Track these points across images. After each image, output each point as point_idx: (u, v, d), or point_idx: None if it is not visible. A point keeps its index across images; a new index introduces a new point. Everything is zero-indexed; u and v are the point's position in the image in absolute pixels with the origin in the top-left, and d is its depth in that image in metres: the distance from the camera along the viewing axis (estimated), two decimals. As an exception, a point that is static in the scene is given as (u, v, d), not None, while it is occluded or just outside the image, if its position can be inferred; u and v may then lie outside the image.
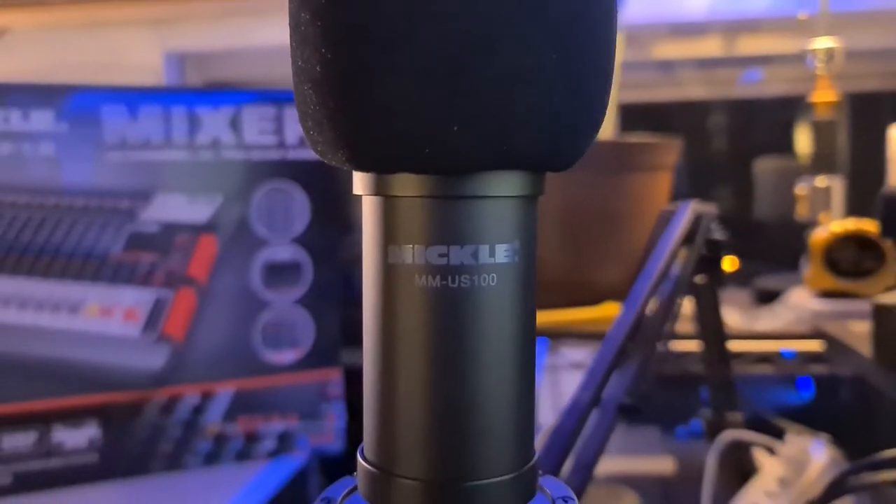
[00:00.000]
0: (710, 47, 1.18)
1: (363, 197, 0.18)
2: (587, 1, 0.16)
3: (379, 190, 0.17)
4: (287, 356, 0.67)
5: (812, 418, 0.66)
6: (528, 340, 0.18)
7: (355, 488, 0.19)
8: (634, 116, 1.25)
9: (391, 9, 0.15)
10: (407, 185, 0.17)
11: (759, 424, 0.59)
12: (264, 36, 0.94)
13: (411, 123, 0.16)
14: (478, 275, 0.17)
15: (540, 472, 0.20)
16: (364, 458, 0.19)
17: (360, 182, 0.18)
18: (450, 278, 0.17)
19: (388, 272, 0.18)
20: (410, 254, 0.17)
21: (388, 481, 0.18)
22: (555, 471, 0.30)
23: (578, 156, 0.18)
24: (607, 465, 0.73)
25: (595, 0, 0.17)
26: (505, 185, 0.17)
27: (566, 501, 0.19)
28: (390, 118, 0.16)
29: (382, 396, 0.18)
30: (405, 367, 0.17)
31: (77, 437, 0.61)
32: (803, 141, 1.28)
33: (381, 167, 0.17)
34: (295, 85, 0.17)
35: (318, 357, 0.68)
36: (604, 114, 0.18)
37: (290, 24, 0.17)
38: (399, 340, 0.18)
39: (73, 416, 0.61)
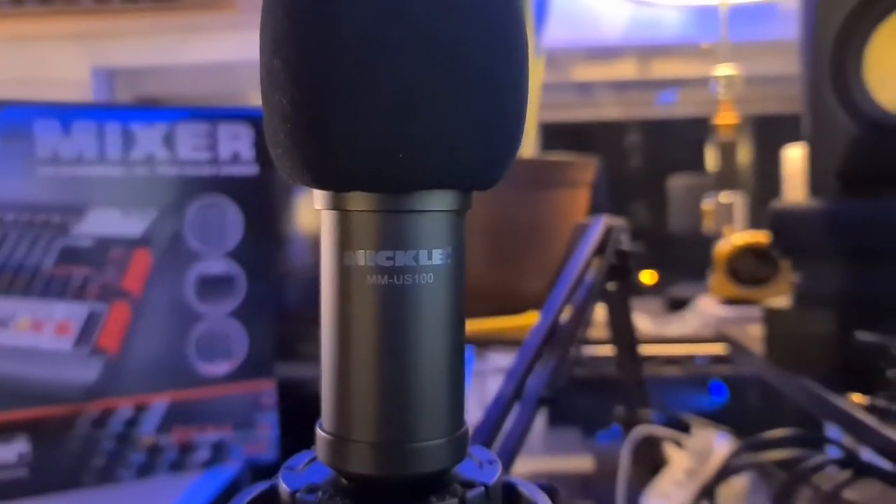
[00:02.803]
0: (626, 70, 1.24)
1: (322, 211, 0.22)
2: (504, 59, 0.21)
3: (336, 205, 0.21)
4: (221, 367, 0.68)
5: (718, 415, 0.72)
6: (459, 328, 0.22)
7: (314, 459, 0.23)
8: (554, 136, 1.31)
9: (350, 70, 0.19)
10: (360, 201, 0.21)
11: (670, 421, 0.64)
12: (194, 53, 0.95)
13: (366, 153, 0.20)
14: (418, 274, 0.21)
15: (470, 433, 0.24)
16: (322, 430, 0.22)
17: (320, 198, 0.22)
18: (395, 277, 0.21)
19: (344, 273, 0.21)
20: (363, 257, 0.21)
21: (345, 445, 0.22)
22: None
23: (499, 177, 0.23)
24: (531, 465, 0.76)
25: (510, 58, 0.21)
26: (440, 202, 0.21)
27: (491, 463, 0.23)
28: (350, 149, 0.20)
29: (338, 376, 0.22)
30: (357, 351, 0.21)
31: (6, 453, 0.61)
32: (712, 159, 1.36)
33: (339, 187, 0.21)
34: (265, 119, 0.21)
35: (251, 368, 0.70)
36: (519, 144, 0.22)
37: (261, 66, 0.20)
38: (352, 330, 0.21)
39: (2, 432, 0.61)
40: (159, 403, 0.66)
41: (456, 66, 0.19)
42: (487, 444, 0.34)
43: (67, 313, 0.63)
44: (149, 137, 0.66)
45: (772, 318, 0.58)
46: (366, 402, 0.21)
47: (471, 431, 0.25)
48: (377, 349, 0.21)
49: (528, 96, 0.22)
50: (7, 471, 0.61)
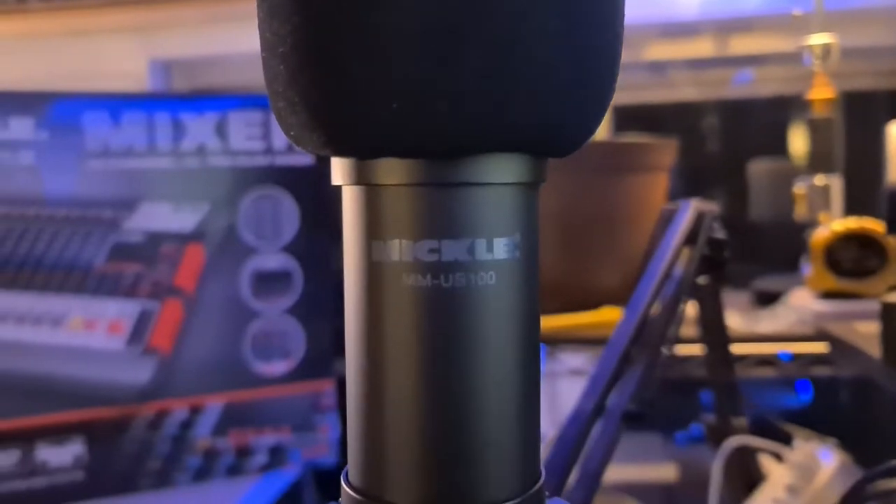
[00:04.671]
0: (702, 48, 1.17)
1: (343, 187, 0.16)
2: None
3: (360, 178, 0.15)
4: (278, 367, 0.66)
5: (816, 421, 0.65)
6: (532, 347, 0.16)
7: None
8: (626, 118, 1.24)
9: None
10: (391, 171, 0.15)
11: (764, 429, 0.58)
12: (250, 41, 0.92)
13: (394, 99, 0.14)
14: (474, 273, 0.15)
15: (546, 493, 0.17)
16: (348, 484, 0.16)
17: (338, 170, 0.16)
18: (442, 277, 0.15)
19: (372, 271, 0.15)
20: (397, 250, 0.15)
21: None
22: (559, 485, 0.28)
23: (585, 138, 0.16)
24: (609, 473, 0.71)
25: None
26: (503, 171, 0.15)
27: None
28: (370, 94, 0.14)
29: (368, 414, 0.16)
30: (393, 381, 0.15)
31: (62, 455, 0.59)
32: (797, 141, 1.27)
33: (361, 152, 0.15)
34: (264, 61, 0.16)
35: (309, 368, 0.67)
36: (613, 88, 0.16)
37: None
38: (386, 349, 0.15)
39: (57, 434, 0.59)
40: (215, 405, 0.63)
41: None
42: (566, 470, 0.29)
43: (119, 311, 0.61)
44: (200, 127, 0.63)
45: (891, 314, 0.51)
46: (405, 453, 0.15)
47: (546, 451, 0.20)
48: (419, 379, 0.15)
49: (623, 32, 0.17)
50: (63, 474, 0.60)
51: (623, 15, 0.16)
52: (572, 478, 0.30)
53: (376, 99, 0.14)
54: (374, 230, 0.15)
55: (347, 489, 0.16)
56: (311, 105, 0.15)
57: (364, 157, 0.15)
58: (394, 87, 0.14)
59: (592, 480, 0.29)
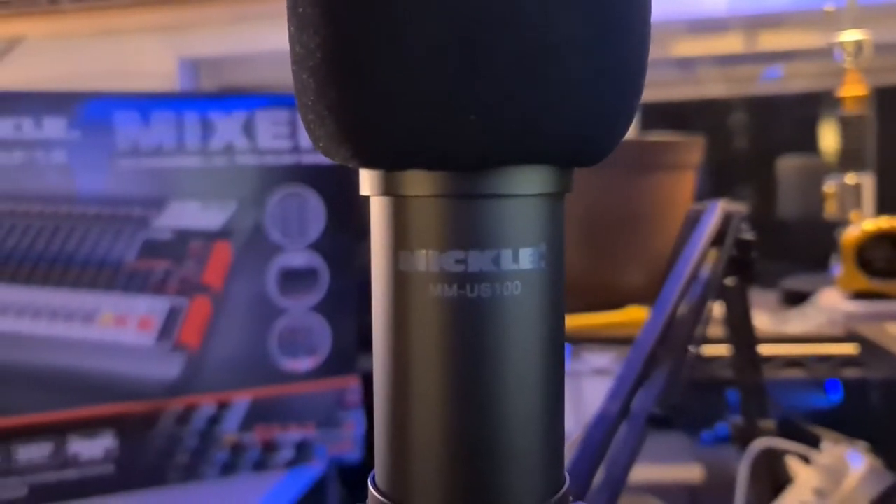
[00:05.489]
0: (731, 44, 1.16)
1: (371, 198, 0.16)
2: None
3: (387, 189, 0.16)
4: (304, 364, 0.66)
5: (845, 424, 0.64)
6: (557, 357, 0.16)
7: None
8: (654, 116, 1.23)
9: None
10: (418, 183, 0.15)
11: (791, 431, 0.57)
12: (278, 40, 0.93)
13: (422, 112, 0.14)
14: (500, 283, 0.15)
15: (571, 499, 0.18)
16: (376, 489, 0.17)
17: (366, 181, 0.16)
18: (468, 287, 0.15)
19: (400, 281, 0.16)
20: (424, 260, 0.15)
21: None
22: (583, 489, 0.28)
23: (612, 147, 0.16)
24: (633, 474, 0.71)
25: None
26: (529, 182, 0.15)
27: None
28: (398, 106, 0.14)
29: (395, 420, 0.16)
30: (420, 388, 0.16)
31: (93, 448, 0.61)
32: (827, 138, 1.25)
33: (389, 163, 0.15)
34: (294, 74, 0.16)
35: (335, 364, 0.67)
36: (639, 98, 0.16)
37: (287, 6, 0.15)
38: (412, 358, 0.16)
39: (88, 427, 0.60)
40: (242, 401, 0.64)
41: None
42: (591, 472, 0.29)
43: (149, 308, 0.62)
44: (228, 126, 0.64)
45: (920, 317, 0.50)
46: (431, 459, 0.16)
47: (570, 452, 0.20)
48: (445, 387, 0.15)
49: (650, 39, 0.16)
50: (94, 466, 0.61)
51: (650, 18, 0.16)
52: (596, 481, 0.30)
53: (403, 112, 0.14)
54: (401, 240, 0.16)
55: (374, 493, 0.17)
56: (340, 118, 0.15)
57: (391, 168, 0.15)
58: (421, 101, 0.14)
59: (616, 485, 0.29)
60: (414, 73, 0.14)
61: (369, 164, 0.16)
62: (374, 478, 0.17)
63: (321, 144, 0.16)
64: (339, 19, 0.14)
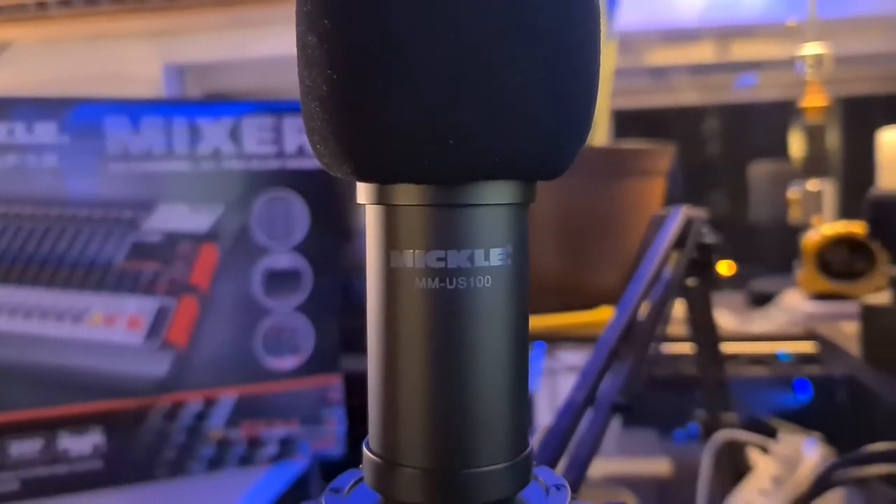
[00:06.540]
0: (703, 53, 1.19)
1: (366, 206, 0.20)
2: (572, 24, 0.18)
3: (381, 199, 0.19)
4: (288, 362, 0.68)
5: (807, 418, 0.67)
6: (522, 338, 0.20)
7: (361, 479, 0.21)
8: (628, 123, 1.26)
9: (393, 33, 0.16)
10: (407, 194, 0.18)
11: (754, 425, 0.60)
12: (263, 47, 0.95)
13: (412, 138, 0.17)
14: (473, 277, 0.18)
15: (534, 462, 0.21)
16: (369, 450, 0.20)
17: (363, 192, 0.19)
18: (447, 280, 0.18)
19: (390, 275, 0.19)
20: (411, 258, 0.19)
21: (393, 470, 0.19)
22: (552, 465, 0.31)
23: (566, 166, 0.20)
24: (605, 467, 0.73)
25: (579, 23, 0.18)
26: (498, 194, 0.18)
27: (558, 489, 0.20)
28: (392, 134, 0.17)
29: (386, 392, 0.19)
30: (406, 364, 0.19)
31: (82, 444, 0.62)
32: (797, 145, 1.29)
33: (383, 178, 0.19)
34: (302, 102, 0.19)
35: (318, 363, 0.69)
36: (590, 125, 0.19)
37: (297, 46, 0.18)
38: (400, 339, 0.19)
39: (77, 424, 0.62)
40: (228, 398, 0.66)
41: (518, 33, 0.17)
42: (557, 455, 0.32)
43: (138, 308, 0.64)
44: (215, 132, 0.66)
45: (869, 315, 0.53)
46: (415, 423, 0.19)
47: (538, 440, 0.23)
48: (427, 362, 0.19)
49: (600, 75, 0.20)
50: (83, 462, 0.62)
51: (599, 58, 0.19)
52: (562, 464, 0.33)
53: (396, 138, 0.17)
54: (392, 242, 0.19)
55: (368, 453, 0.20)
56: (342, 141, 0.18)
57: (385, 182, 0.19)
58: (410, 129, 0.17)
59: (581, 467, 0.32)
60: (404, 108, 0.17)
61: (366, 179, 0.19)
62: (367, 442, 0.20)
63: (325, 161, 0.19)
64: (344, 63, 0.17)
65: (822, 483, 0.36)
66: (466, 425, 0.19)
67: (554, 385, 0.69)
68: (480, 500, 0.19)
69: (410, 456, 0.19)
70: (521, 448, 0.20)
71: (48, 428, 0.61)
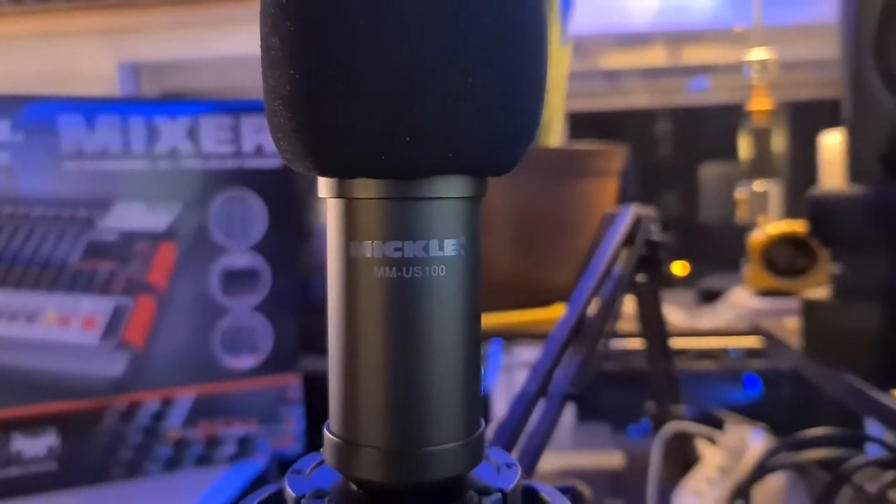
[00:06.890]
0: (655, 57, 1.21)
1: (327, 199, 0.20)
2: (520, 29, 0.19)
3: (341, 193, 0.20)
4: (246, 361, 0.68)
5: (753, 411, 0.70)
6: (474, 324, 0.21)
7: (321, 462, 0.21)
8: (582, 125, 1.29)
9: (351, 38, 0.17)
10: (366, 188, 0.19)
11: (702, 417, 0.62)
12: (219, 46, 0.95)
13: (370, 136, 0.18)
14: (429, 266, 0.20)
15: (487, 443, 0.22)
16: (330, 432, 0.21)
17: (324, 186, 0.20)
18: (404, 269, 0.19)
19: (350, 265, 0.20)
20: (370, 248, 0.20)
21: (353, 450, 0.20)
22: (507, 451, 0.32)
23: (516, 162, 0.21)
24: (560, 461, 0.75)
25: (527, 28, 0.19)
26: (451, 188, 0.20)
27: (509, 467, 0.21)
28: (351, 132, 0.18)
29: (345, 376, 0.20)
30: (365, 349, 0.20)
31: (36, 446, 0.61)
32: (745, 147, 1.33)
33: (343, 173, 0.20)
34: (266, 101, 0.20)
35: (276, 362, 0.70)
36: (538, 124, 0.21)
37: (261, 47, 0.19)
38: (359, 325, 0.20)
39: (31, 425, 0.61)
40: (185, 397, 0.66)
41: (468, 39, 0.18)
42: (510, 443, 0.33)
43: (94, 307, 0.63)
44: (172, 131, 0.65)
45: (810, 311, 0.56)
46: (374, 404, 0.20)
47: (493, 429, 0.24)
48: (385, 347, 0.20)
49: (548, 76, 0.21)
50: (37, 464, 0.62)
51: (546, 63, 0.20)
52: (516, 453, 0.34)
53: (354, 135, 0.18)
54: (351, 233, 0.20)
55: (329, 435, 0.21)
56: (304, 138, 0.19)
57: (344, 176, 0.20)
58: (367, 127, 0.18)
59: (534, 455, 0.33)
60: (362, 108, 0.18)
61: (327, 174, 0.20)
62: (328, 425, 0.21)
63: (288, 157, 0.20)
64: (305, 64, 0.18)
65: (762, 468, 0.38)
66: (422, 406, 0.20)
67: (510, 380, 0.70)
68: (435, 477, 0.20)
69: (369, 436, 0.20)
70: (473, 428, 0.21)
71: (1, 430, 0.60)
